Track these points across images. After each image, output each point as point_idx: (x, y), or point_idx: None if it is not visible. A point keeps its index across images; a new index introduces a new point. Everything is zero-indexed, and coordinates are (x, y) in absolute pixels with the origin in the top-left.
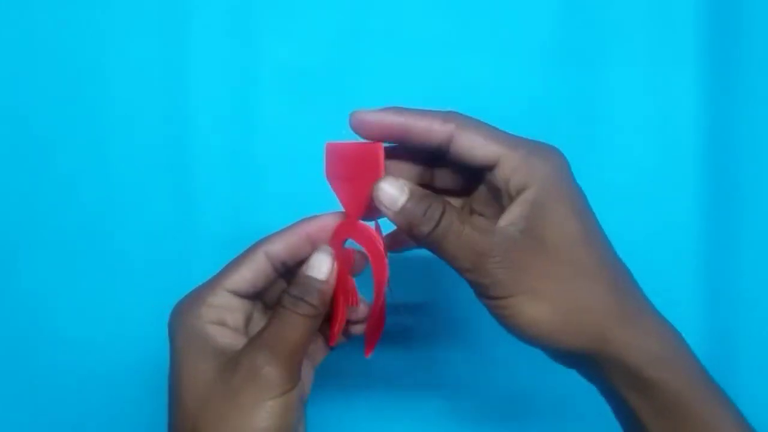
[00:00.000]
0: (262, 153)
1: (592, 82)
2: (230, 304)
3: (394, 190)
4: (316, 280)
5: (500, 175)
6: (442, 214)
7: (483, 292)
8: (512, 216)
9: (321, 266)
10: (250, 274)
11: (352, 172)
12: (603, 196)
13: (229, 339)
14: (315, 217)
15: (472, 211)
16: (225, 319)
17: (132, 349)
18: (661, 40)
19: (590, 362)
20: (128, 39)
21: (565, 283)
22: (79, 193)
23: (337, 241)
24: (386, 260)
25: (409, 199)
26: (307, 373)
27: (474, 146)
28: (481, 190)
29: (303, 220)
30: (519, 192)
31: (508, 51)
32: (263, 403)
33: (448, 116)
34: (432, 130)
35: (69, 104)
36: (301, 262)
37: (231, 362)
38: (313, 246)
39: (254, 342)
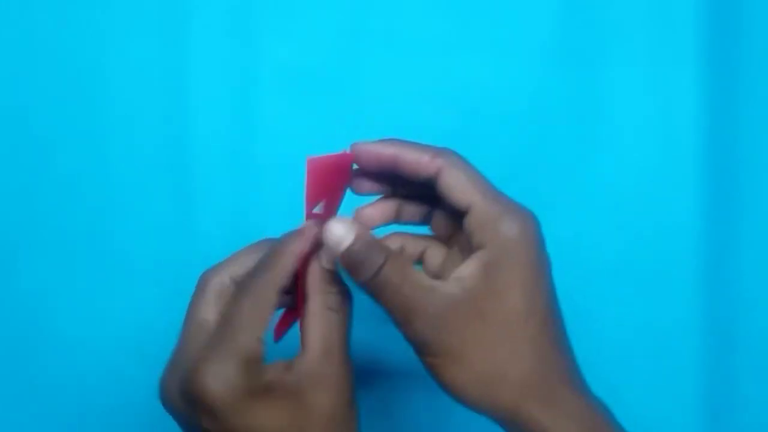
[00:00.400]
0: (262, 153)
1: (592, 82)
2: (257, 351)
3: (341, 231)
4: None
5: (469, 223)
6: (383, 264)
7: (413, 348)
8: (462, 272)
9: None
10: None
11: (326, 181)
12: (603, 196)
13: (273, 383)
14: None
15: (448, 252)
16: (258, 363)
17: (132, 349)
18: (661, 40)
19: (507, 427)
20: (128, 39)
21: (491, 352)
22: (79, 193)
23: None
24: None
25: (353, 243)
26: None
27: (455, 187)
28: (459, 242)
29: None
30: (477, 248)
31: (508, 51)
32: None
33: (438, 153)
34: (420, 164)
35: (69, 104)
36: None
37: (296, 400)
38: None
39: (316, 378)
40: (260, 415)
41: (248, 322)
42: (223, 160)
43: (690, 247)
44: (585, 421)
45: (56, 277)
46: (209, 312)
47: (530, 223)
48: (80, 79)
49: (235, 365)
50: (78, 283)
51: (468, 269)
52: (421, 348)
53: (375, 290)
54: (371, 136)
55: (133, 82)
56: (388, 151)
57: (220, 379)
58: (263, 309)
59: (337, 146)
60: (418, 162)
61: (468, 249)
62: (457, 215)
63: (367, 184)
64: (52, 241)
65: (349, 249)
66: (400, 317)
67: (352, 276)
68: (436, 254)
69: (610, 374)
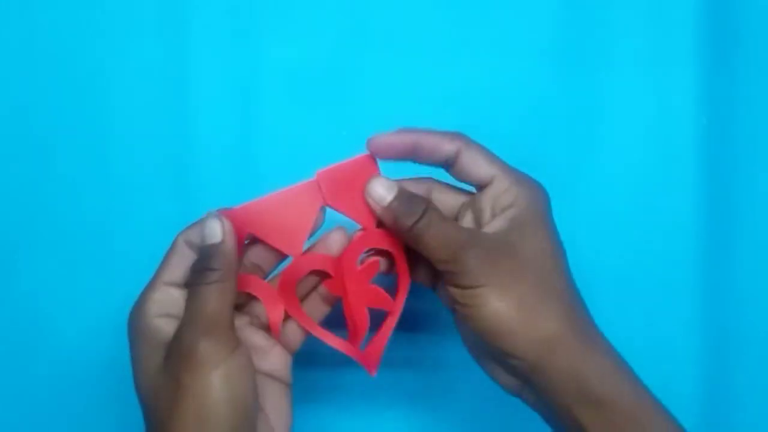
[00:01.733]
0: (262, 153)
1: (592, 82)
2: (172, 296)
3: (382, 189)
4: (212, 246)
5: (491, 193)
6: (425, 210)
7: (453, 281)
8: (493, 226)
9: (213, 231)
10: (179, 264)
11: (352, 186)
12: (603, 195)
13: (175, 328)
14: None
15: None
16: (170, 310)
17: None
18: (661, 40)
19: (538, 374)
20: (129, 39)
21: (531, 288)
22: (80, 194)
23: (355, 254)
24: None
25: (395, 197)
26: (284, 360)
27: (476, 164)
28: (467, 216)
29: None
30: (503, 210)
31: (508, 51)
32: (203, 378)
33: (455, 136)
34: (440, 146)
35: (69, 104)
36: None
37: (167, 353)
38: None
39: (180, 326)
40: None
41: (159, 266)
42: (224, 160)
43: (689, 247)
44: (610, 354)
45: (56, 277)
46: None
47: (543, 190)
48: (80, 79)
49: (148, 297)
50: (78, 283)
51: (498, 223)
52: (466, 279)
53: (419, 234)
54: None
55: (134, 82)
56: (408, 138)
57: (136, 304)
58: (169, 255)
59: (337, 146)
60: (437, 145)
61: (476, 222)
62: (464, 193)
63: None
64: (52, 241)
65: (391, 203)
66: (445, 254)
67: (396, 226)
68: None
69: None
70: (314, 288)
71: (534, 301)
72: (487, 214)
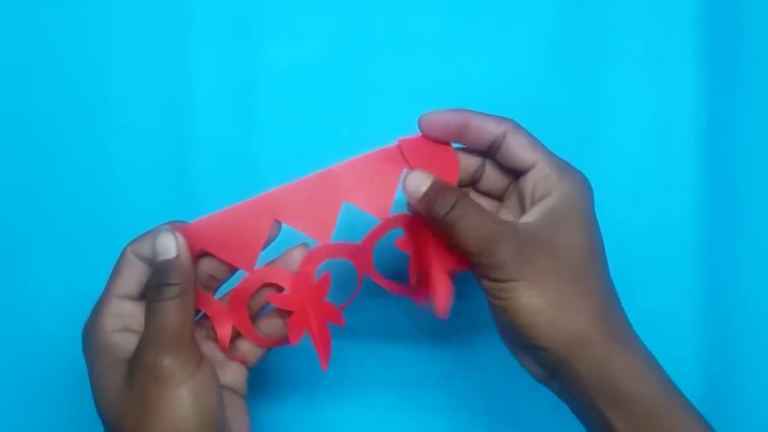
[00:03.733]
0: (261, 153)
1: (592, 81)
2: (127, 309)
3: (417, 180)
4: (167, 261)
5: (531, 178)
6: (457, 201)
7: (486, 274)
8: (530, 216)
9: (167, 247)
10: (130, 276)
11: (430, 161)
12: (603, 195)
13: (136, 342)
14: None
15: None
16: (127, 324)
17: None
18: (661, 40)
19: (567, 368)
20: (128, 39)
21: (564, 284)
22: (80, 194)
23: (312, 266)
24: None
25: (430, 188)
26: (241, 373)
27: (520, 148)
28: (512, 199)
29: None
30: (542, 197)
31: (509, 51)
32: (170, 394)
33: (502, 119)
34: (487, 127)
35: (69, 105)
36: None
37: (130, 368)
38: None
39: (141, 342)
40: (100, 370)
41: (110, 278)
42: (224, 159)
43: (690, 247)
44: (640, 352)
45: (56, 277)
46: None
47: (586, 181)
48: (80, 79)
49: (100, 312)
50: (78, 283)
51: (536, 213)
52: (499, 273)
53: (451, 223)
54: (371, 136)
55: (133, 82)
56: (458, 118)
57: (88, 320)
58: (119, 268)
59: (336, 145)
60: (485, 126)
61: (520, 206)
62: (511, 175)
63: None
64: (52, 241)
65: (425, 193)
66: (477, 246)
67: (430, 215)
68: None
69: None
70: (267, 303)
71: (566, 297)
72: (528, 199)
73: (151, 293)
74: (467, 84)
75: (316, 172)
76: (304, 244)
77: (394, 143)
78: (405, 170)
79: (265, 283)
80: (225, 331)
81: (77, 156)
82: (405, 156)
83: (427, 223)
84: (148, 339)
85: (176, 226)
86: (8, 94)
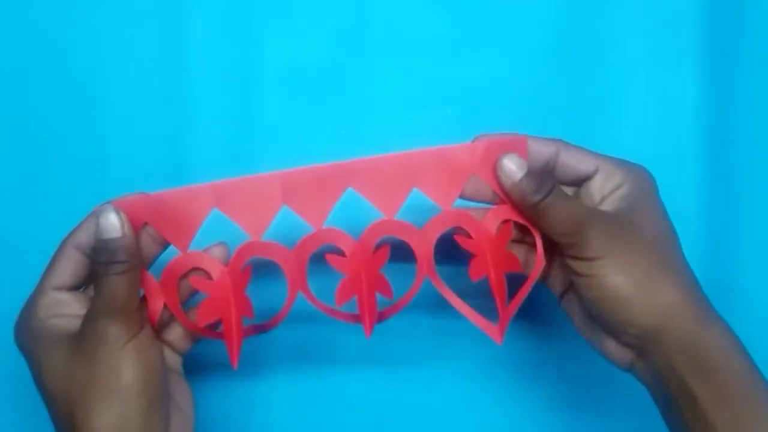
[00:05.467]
0: (261, 153)
1: (592, 81)
2: (61, 299)
3: (514, 165)
4: (113, 240)
5: (598, 180)
6: (552, 188)
7: (575, 253)
8: (607, 206)
9: (112, 225)
10: (68, 268)
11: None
12: None
13: (72, 323)
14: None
15: None
16: (62, 311)
17: None
18: (661, 40)
19: (654, 343)
20: (128, 38)
21: (650, 261)
22: (80, 194)
23: (374, 237)
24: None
25: (526, 175)
26: (174, 358)
27: (577, 159)
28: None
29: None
30: (614, 189)
31: (509, 51)
32: (118, 352)
33: (551, 139)
34: (541, 149)
35: (69, 105)
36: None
37: (77, 338)
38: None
39: (90, 314)
40: (42, 359)
41: (46, 272)
42: (223, 159)
43: (690, 247)
44: (724, 327)
45: None
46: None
47: (647, 171)
48: (79, 78)
49: (30, 313)
50: None
51: (613, 203)
52: (587, 251)
53: (544, 209)
54: (371, 136)
55: (133, 81)
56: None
57: (18, 328)
58: (57, 260)
59: (336, 145)
60: (539, 148)
61: (591, 204)
62: (574, 185)
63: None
64: (52, 241)
65: (521, 179)
66: (569, 227)
67: (524, 201)
68: None
69: (611, 373)
70: (195, 292)
71: (654, 273)
72: (598, 196)
73: (100, 269)
74: (467, 84)
75: (393, 153)
76: (223, 244)
77: (469, 141)
78: (504, 154)
79: (195, 267)
80: (156, 305)
81: (76, 156)
82: (479, 153)
83: (516, 206)
84: (98, 309)
85: (118, 201)
86: (7, 94)
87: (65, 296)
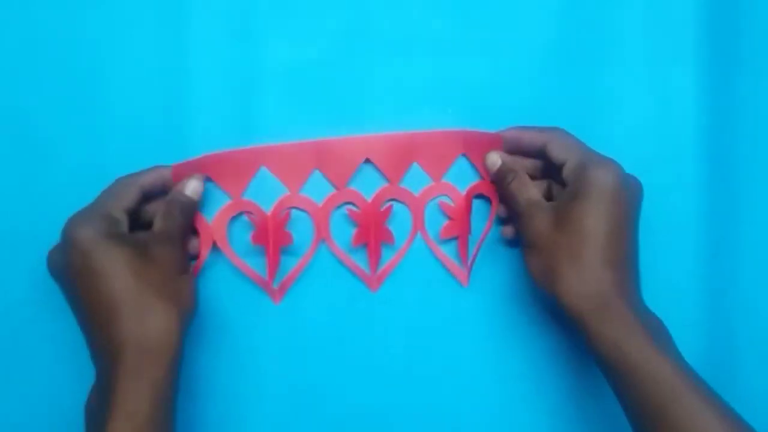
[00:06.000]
0: None
1: (592, 82)
2: (121, 219)
3: (495, 157)
4: (192, 202)
5: (565, 171)
6: (515, 176)
7: (524, 232)
8: (565, 196)
9: (196, 190)
10: (131, 198)
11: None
12: None
13: (128, 237)
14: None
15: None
16: (121, 228)
17: None
18: (661, 40)
19: (582, 328)
20: (128, 39)
21: (585, 251)
22: (80, 194)
23: (380, 198)
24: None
25: (502, 164)
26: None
27: (555, 150)
28: (555, 186)
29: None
30: (574, 182)
31: (509, 51)
32: (179, 276)
33: (545, 129)
34: (533, 139)
35: (69, 104)
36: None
37: (143, 250)
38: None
39: (154, 235)
40: (114, 252)
41: (114, 199)
42: None
43: (690, 247)
44: (651, 326)
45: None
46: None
47: (611, 167)
48: (79, 77)
49: (99, 218)
50: None
51: (563, 198)
52: (536, 233)
53: (511, 190)
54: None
55: (133, 82)
56: (510, 134)
57: (85, 225)
58: (127, 193)
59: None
60: (532, 138)
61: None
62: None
63: None
64: (52, 241)
65: (499, 167)
66: (525, 207)
67: (500, 183)
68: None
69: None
70: None
71: (587, 263)
72: (566, 185)
73: (174, 211)
74: (467, 84)
75: (403, 132)
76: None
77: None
78: (491, 150)
79: (245, 210)
80: (207, 244)
81: (76, 155)
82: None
83: (493, 184)
84: (160, 236)
85: (198, 163)
86: (7, 94)
87: (124, 217)
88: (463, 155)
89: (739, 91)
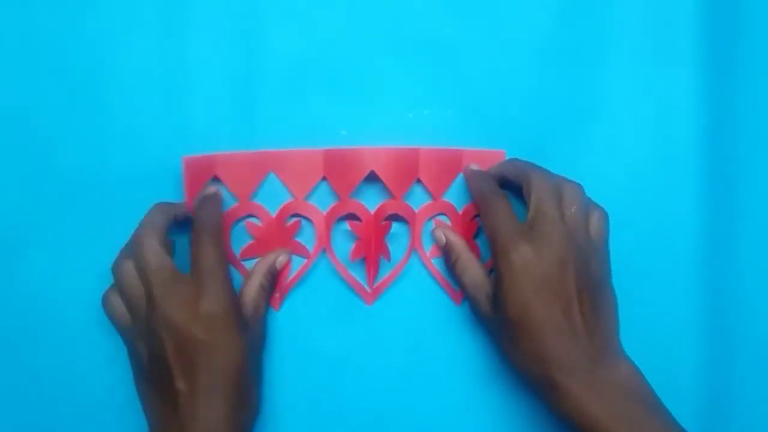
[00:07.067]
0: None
1: (591, 82)
2: (161, 251)
3: (440, 234)
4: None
5: (525, 196)
6: (458, 257)
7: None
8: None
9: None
10: (164, 231)
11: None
12: (603, 195)
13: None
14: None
15: None
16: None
17: None
18: (661, 40)
19: (545, 387)
20: (128, 37)
21: (532, 281)
22: (80, 194)
23: (383, 212)
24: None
25: (447, 242)
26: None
27: (514, 175)
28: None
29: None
30: (528, 210)
31: (509, 51)
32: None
33: (524, 170)
34: (512, 171)
35: (69, 104)
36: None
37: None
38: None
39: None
40: (177, 291)
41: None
42: None
43: (690, 247)
44: (622, 378)
45: (57, 277)
46: None
47: (544, 237)
48: (80, 78)
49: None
50: (78, 282)
51: (495, 279)
52: (478, 317)
53: (452, 273)
54: (372, 135)
55: (133, 78)
56: (494, 170)
57: (153, 251)
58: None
59: (336, 145)
60: (515, 175)
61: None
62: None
63: None
64: (52, 241)
65: (444, 245)
66: (466, 291)
67: (445, 260)
68: None
69: None
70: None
71: (532, 295)
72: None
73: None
74: (467, 84)
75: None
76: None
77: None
78: (469, 163)
79: (249, 213)
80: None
81: (77, 154)
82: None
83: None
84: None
85: (198, 158)
86: (7, 94)
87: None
88: (463, 174)
89: (739, 91)
